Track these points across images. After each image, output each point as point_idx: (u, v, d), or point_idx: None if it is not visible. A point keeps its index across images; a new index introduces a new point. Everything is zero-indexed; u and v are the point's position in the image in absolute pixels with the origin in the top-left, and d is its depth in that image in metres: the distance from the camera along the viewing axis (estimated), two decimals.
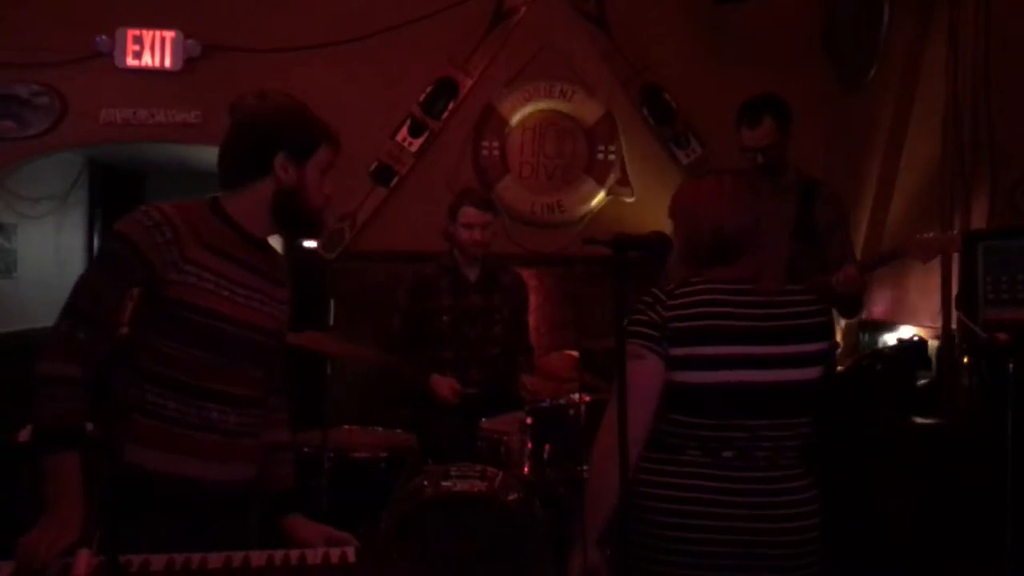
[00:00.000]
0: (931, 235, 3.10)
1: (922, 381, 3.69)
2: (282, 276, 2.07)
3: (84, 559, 1.28)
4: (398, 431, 3.43)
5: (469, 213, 3.50)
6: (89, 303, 1.79)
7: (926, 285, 3.86)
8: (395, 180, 4.81)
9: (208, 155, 2.65)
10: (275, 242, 2.23)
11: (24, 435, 3.49)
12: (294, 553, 1.70)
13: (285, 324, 2.08)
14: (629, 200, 4.91)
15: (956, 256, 3.31)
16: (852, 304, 3.38)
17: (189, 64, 4.67)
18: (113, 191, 6.93)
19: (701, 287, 1.97)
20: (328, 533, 1.95)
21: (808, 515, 1.95)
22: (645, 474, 1.95)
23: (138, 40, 4.64)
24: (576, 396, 3.08)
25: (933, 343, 3.80)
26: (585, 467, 2.99)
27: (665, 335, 1.92)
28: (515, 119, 4.87)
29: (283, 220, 1.99)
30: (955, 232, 3.12)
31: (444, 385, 3.42)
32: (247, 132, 1.96)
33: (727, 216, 1.99)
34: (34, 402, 1.76)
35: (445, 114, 4.82)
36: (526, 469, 3.02)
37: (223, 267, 1.89)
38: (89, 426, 1.83)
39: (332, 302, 4.61)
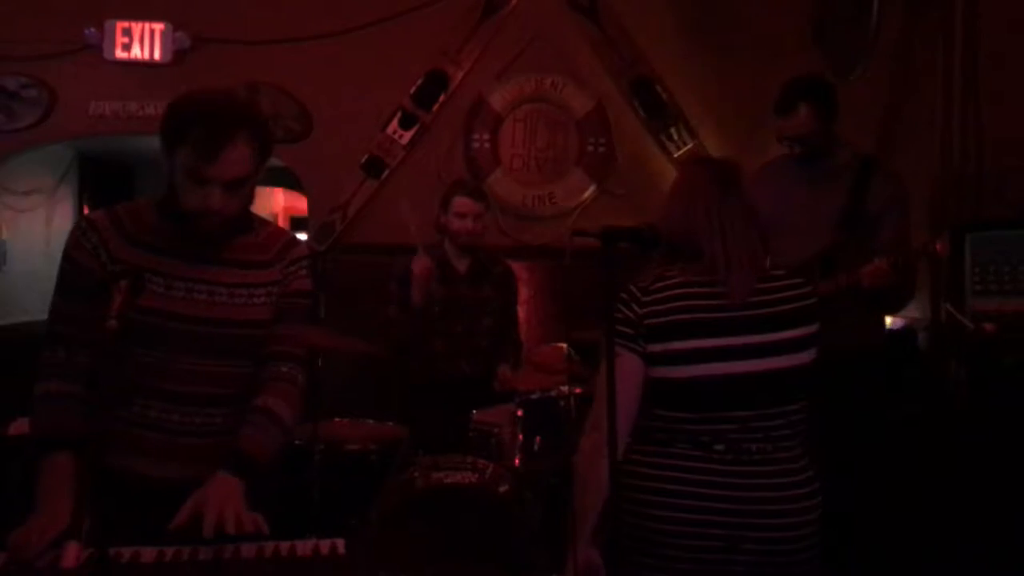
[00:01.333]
0: (876, 262, 2.88)
1: (909, 372, 3.71)
2: (265, 257, 1.99)
3: (73, 550, 1.28)
4: (389, 423, 3.43)
5: (462, 203, 3.50)
6: (60, 325, 1.88)
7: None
8: (386, 172, 4.80)
9: None
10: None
11: (15, 428, 3.49)
12: (284, 545, 1.70)
13: (266, 307, 1.96)
14: (620, 192, 4.92)
15: (944, 247, 3.29)
16: (888, 298, 3.05)
17: (178, 56, 4.65)
18: (102, 184, 6.90)
19: (675, 280, 1.97)
20: (228, 521, 1.68)
21: (805, 510, 1.93)
22: (635, 466, 1.96)
23: (127, 32, 4.62)
24: (566, 388, 3.09)
25: (921, 334, 3.82)
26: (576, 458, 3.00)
27: (640, 332, 1.93)
28: (506, 111, 4.86)
29: (167, 216, 1.89)
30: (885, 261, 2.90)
31: (418, 261, 3.39)
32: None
33: (687, 210, 2.00)
34: (31, 421, 1.84)
35: (436, 106, 4.82)
36: (517, 461, 3.03)
37: (158, 263, 1.86)
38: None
39: (322, 295, 4.61)
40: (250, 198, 1.95)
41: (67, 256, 1.90)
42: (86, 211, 1.84)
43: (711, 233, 1.97)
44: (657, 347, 1.92)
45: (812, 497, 1.96)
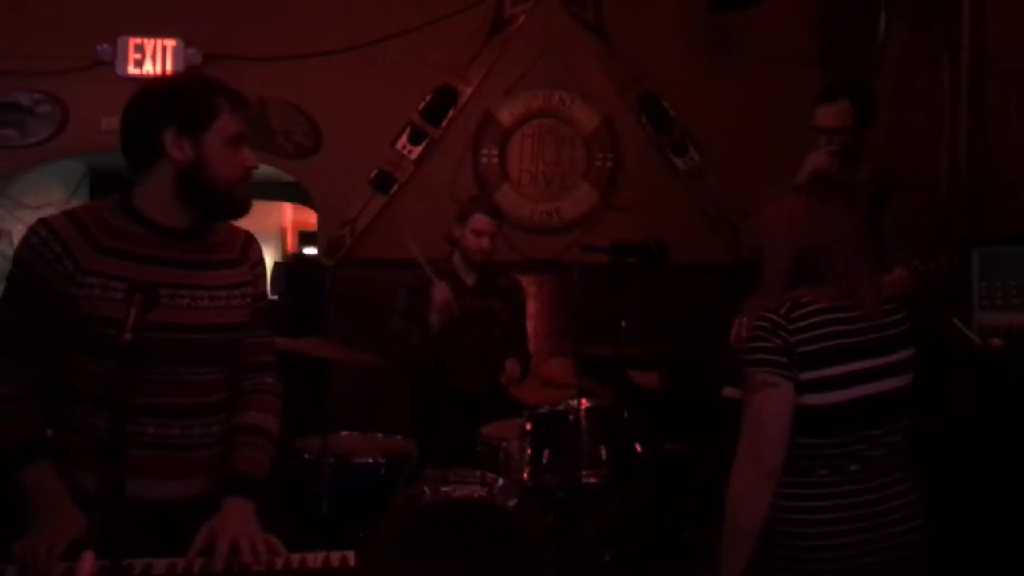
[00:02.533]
0: (897, 271, 2.93)
1: (917, 386, 3.70)
2: (231, 256, 1.92)
3: (89, 561, 1.29)
4: (397, 437, 3.43)
5: (481, 220, 3.50)
6: (7, 338, 1.77)
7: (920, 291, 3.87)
8: (395, 187, 4.83)
9: None
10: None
11: None
12: (295, 557, 1.71)
13: (243, 308, 1.91)
14: (627, 207, 4.93)
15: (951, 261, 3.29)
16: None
17: (190, 72, 4.70)
18: None
19: (816, 307, 1.96)
20: (243, 544, 1.69)
21: (921, 512, 2.00)
22: (781, 499, 1.93)
23: (139, 49, 4.67)
24: (575, 402, 3.10)
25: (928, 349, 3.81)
26: (584, 472, 3.01)
27: (794, 360, 1.91)
28: (514, 127, 4.89)
29: (191, 202, 1.80)
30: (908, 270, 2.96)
31: (439, 291, 3.38)
32: (130, 114, 1.81)
33: (801, 240, 2.01)
34: None
35: (445, 122, 4.85)
36: (526, 475, 3.03)
37: (132, 271, 1.75)
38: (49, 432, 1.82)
39: (332, 308, 4.63)
40: None
41: (19, 262, 1.76)
42: (72, 208, 1.78)
43: (848, 254, 1.99)
44: (811, 375, 1.91)
45: (920, 504, 2.01)
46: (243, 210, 1.88)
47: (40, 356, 1.78)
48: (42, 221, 1.78)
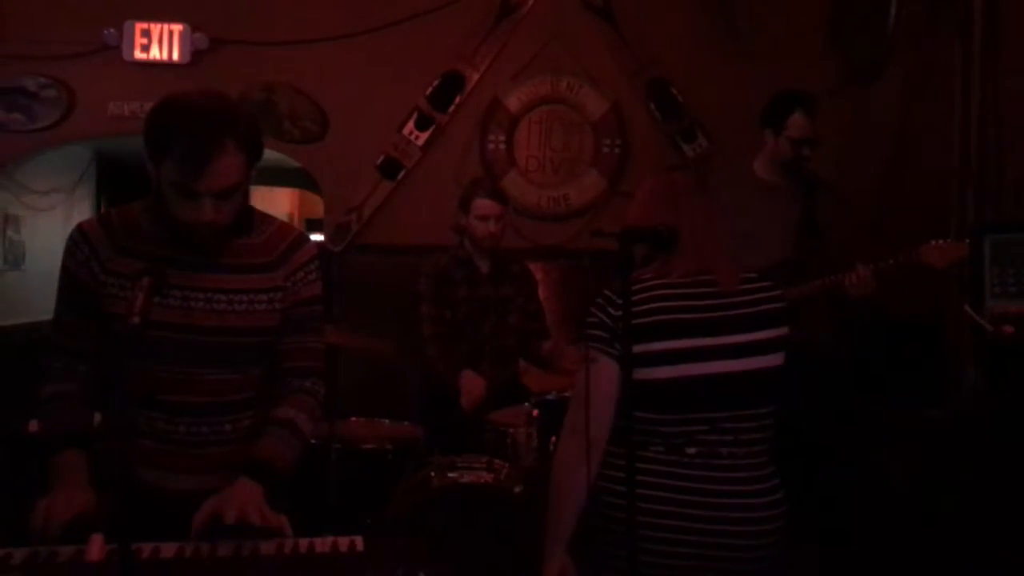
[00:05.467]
0: (945, 242, 3.07)
1: (929, 374, 3.70)
2: (265, 260, 1.89)
3: (98, 543, 1.29)
4: (405, 423, 3.44)
5: (483, 204, 3.45)
6: (59, 336, 1.87)
7: (932, 278, 3.85)
8: (402, 173, 4.82)
9: None
10: None
11: (33, 426, 3.51)
12: (303, 542, 1.70)
13: (269, 313, 1.88)
14: (635, 194, 4.90)
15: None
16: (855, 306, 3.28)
17: (196, 57, 4.68)
18: (120, 184, 6.95)
19: (652, 283, 1.97)
20: (251, 512, 1.68)
21: (767, 519, 1.94)
22: (608, 469, 1.94)
23: (146, 33, 4.65)
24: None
25: (940, 336, 3.80)
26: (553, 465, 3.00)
27: (617, 334, 1.91)
28: (521, 113, 4.87)
29: (160, 220, 1.80)
30: (965, 242, 3.10)
31: (472, 388, 3.28)
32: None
33: (654, 215, 2.02)
34: (39, 423, 1.86)
35: (452, 108, 4.83)
36: (532, 461, 3.03)
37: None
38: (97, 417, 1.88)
39: (339, 295, 4.63)
40: (245, 200, 1.86)
41: (63, 267, 1.86)
42: (107, 210, 1.84)
43: (696, 229, 1.99)
44: (636, 348, 1.89)
45: (776, 506, 1.96)
46: (209, 254, 1.83)
47: (91, 355, 1.85)
48: (77, 226, 1.87)
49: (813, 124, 3.26)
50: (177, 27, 4.66)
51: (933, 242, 3.05)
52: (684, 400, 1.92)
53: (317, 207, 6.19)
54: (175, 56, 4.65)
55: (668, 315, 1.93)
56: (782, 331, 2.00)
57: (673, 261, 1.99)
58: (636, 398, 1.91)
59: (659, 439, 1.93)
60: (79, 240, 1.83)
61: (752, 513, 1.92)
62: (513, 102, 4.86)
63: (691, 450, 1.92)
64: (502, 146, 4.86)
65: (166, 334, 1.78)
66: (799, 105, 3.26)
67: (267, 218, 1.97)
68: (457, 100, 4.83)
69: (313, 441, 3.06)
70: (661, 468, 1.92)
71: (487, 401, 3.29)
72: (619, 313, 1.90)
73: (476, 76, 4.84)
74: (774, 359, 1.98)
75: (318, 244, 2.16)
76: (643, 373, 1.90)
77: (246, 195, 1.85)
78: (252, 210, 1.94)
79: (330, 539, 1.71)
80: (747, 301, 1.98)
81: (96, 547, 1.41)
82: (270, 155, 4.65)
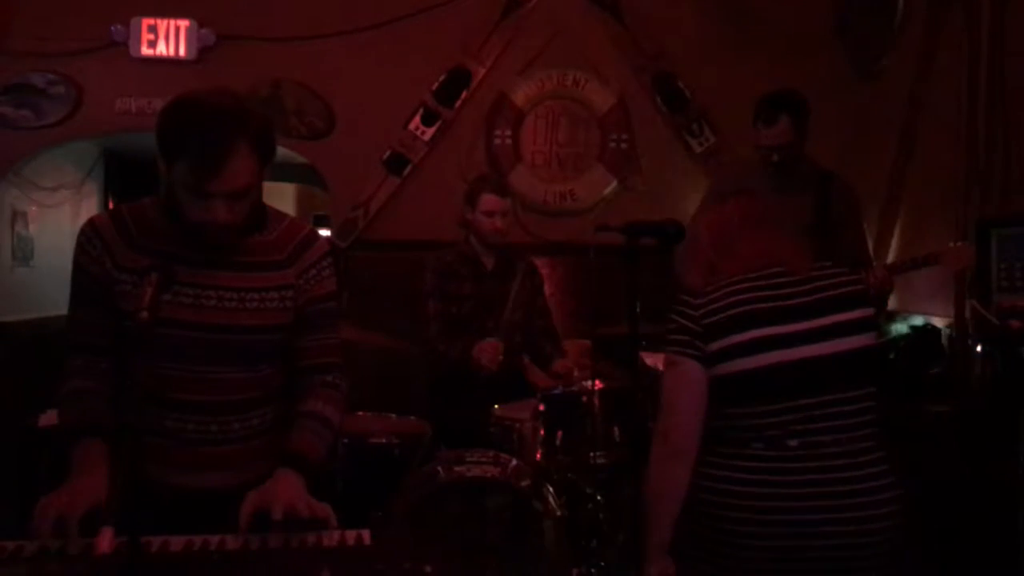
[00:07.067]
0: (961, 244, 3.10)
1: (935, 369, 3.69)
2: (277, 258, 1.88)
3: (107, 536, 1.30)
4: (411, 417, 3.44)
5: (490, 200, 3.45)
6: (77, 333, 1.85)
7: (938, 273, 3.85)
8: (408, 169, 4.83)
9: None
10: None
11: (44, 420, 3.54)
12: (310, 536, 1.71)
13: (280, 311, 1.87)
14: (641, 188, 4.91)
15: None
16: (879, 305, 3.29)
17: (203, 53, 4.70)
18: (128, 179, 6.96)
19: (727, 280, 1.98)
20: (299, 504, 1.70)
21: (881, 503, 1.89)
22: (711, 468, 1.93)
23: (153, 29, 4.67)
24: (589, 383, 3.09)
25: (946, 331, 3.79)
26: (597, 453, 3.01)
27: (698, 334, 1.93)
28: (528, 108, 4.87)
29: (172, 217, 1.79)
30: (971, 244, 3.15)
31: (488, 350, 3.28)
32: None
33: (709, 254, 2.07)
34: (59, 415, 1.84)
35: (458, 103, 4.83)
36: (539, 455, 3.04)
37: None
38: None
39: (345, 290, 4.64)
40: (258, 200, 1.85)
41: (75, 263, 1.84)
42: (111, 206, 1.83)
43: (753, 244, 2.04)
44: (717, 344, 1.92)
45: (890, 489, 1.91)
46: (221, 252, 1.82)
47: (109, 350, 1.84)
48: (89, 220, 1.85)
49: (790, 130, 3.21)
50: (184, 23, 4.68)
51: (951, 244, 3.08)
52: (776, 389, 1.90)
53: (323, 203, 6.21)
54: (182, 52, 4.67)
55: (748, 306, 1.93)
56: (867, 311, 1.98)
57: (724, 267, 2.01)
58: (727, 394, 1.92)
59: (756, 433, 1.91)
60: (91, 235, 1.82)
61: (866, 497, 1.88)
62: (519, 97, 4.86)
63: (793, 442, 1.89)
64: (508, 141, 4.87)
65: (176, 332, 1.77)
66: (784, 111, 3.21)
67: (279, 215, 1.96)
68: (463, 95, 4.83)
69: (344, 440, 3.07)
70: (765, 465, 1.90)
71: (503, 367, 3.30)
72: (700, 312, 1.93)
73: (482, 71, 4.84)
74: (863, 339, 1.95)
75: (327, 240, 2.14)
76: (732, 366, 1.91)
77: (260, 193, 1.85)
78: (265, 207, 1.93)
79: (337, 532, 1.72)
80: (825, 285, 1.97)
81: (106, 540, 1.41)
82: (277, 151, 4.65)
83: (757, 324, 1.92)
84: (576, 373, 3.41)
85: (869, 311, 1.99)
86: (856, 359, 1.94)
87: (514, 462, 2.84)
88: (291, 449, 1.83)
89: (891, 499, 1.90)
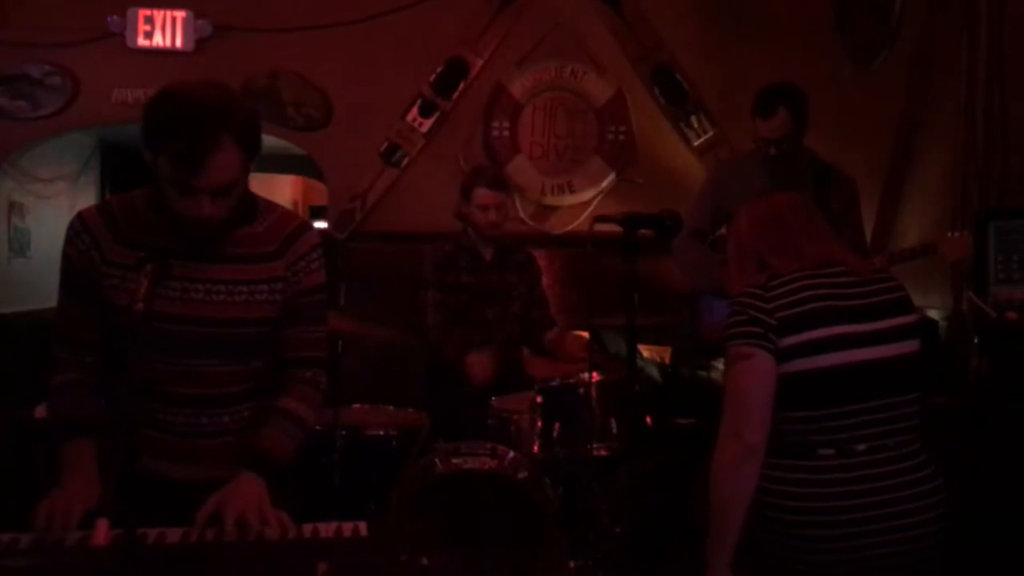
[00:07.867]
0: (959, 234, 3.10)
1: (931, 362, 3.69)
2: (266, 250, 1.86)
3: (103, 528, 1.30)
4: (409, 409, 3.44)
5: (484, 194, 3.44)
6: (63, 326, 1.86)
7: (936, 264, 3.85)
8: (406, 161, 4.81)
9: None
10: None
11: (40, 412, 3.54)
12: (307, 527, 1.71)
13: (269, 304, 1.85)
14: (639, 181, 4.90)
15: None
16: None
17: (200, 44, 4.67)
18: (125, 171, 6.95)
19: (795, 275, 1.94)
20: (250, 514, 1.66)
21: (938, 504, 1.91)
22: (776, 484, 1.88)
23: (149, 20, 4.64)
24: (586, 375, 3.09)
25: (943, 323, 3.80)
26: (594, 445, 3.01)
27: (772, 327, 1.87)
28: (526, 99, 4.86)
29: (159, 210, 1.78)
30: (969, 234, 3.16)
31: (478, 367, 3.30)
32: None
33: (758, 239, 2.05)
34: (49, 410, 1.87)
35: (456, 94, 4.82)
36: (536, 448, 3.04)
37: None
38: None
39: (343, 282, 4.63)
40: (244, 192, 1.82)
41: (64, 255, 1.83)
42: (107, 198, 1.84)
43: (807, 232, 2.03)
44: (793, 339, 1.86)
45: (941, 492, 1.93)
46: (208, 245, 1.81)
47: (97, 343, 1.85)
48: (78, 215, 1.85)
49: (788, 122, 3.21)
50: (180, 14, 4.65)
51: (949, 234, 3.09)
52: (844, 391, 1.87)
53: (321, 194, 6.19)
54: (178, 43, 4.65)
55: (826, 302, 1.90)
56: (913, 317, 1.99)
57: (780, 266, 1.98)
58: (793, 393, 1.86)
59: (825, 439, 1.87)
60: (80, 229, 1.82)
61: (927, 500, 1.89)
62: (517, 88, 4.84)
63: (861, 447, 1.86)
64: (506, 133, 4.86)
65: (165, 325, 1.77)
66: (782, 103, 3.21)
67: (270, 205, 1.94)
68: (461, 87, 4.82)
69: (317, 428, 3.07)
70: (839, 476, 1.85)
71: (497, 377, 3.29)
72: (772, 304, 1.88)
73: (480, 63, 4.82)
74: (916, 344, 1.96)
75: (322, 231, 2.14)
76: (805, 363, 1.86)
77: (246, 186, 1.83)
78: (255, 198, 1.92)
79: (334, 524, 1.72)
80: (885, 288, 1.97)
81: (101, 532, 1.41)
82: (274, 142, 4.65)
83: (835, 321, 1.88)
84: (567, 336, 3.48)
85: (916, 317, 2.00)
86: (911, 363, 1.94)
87: (511, 454, 2.84)
88: (258, 447, 1.82)
89: (942, 501, 1.93)
